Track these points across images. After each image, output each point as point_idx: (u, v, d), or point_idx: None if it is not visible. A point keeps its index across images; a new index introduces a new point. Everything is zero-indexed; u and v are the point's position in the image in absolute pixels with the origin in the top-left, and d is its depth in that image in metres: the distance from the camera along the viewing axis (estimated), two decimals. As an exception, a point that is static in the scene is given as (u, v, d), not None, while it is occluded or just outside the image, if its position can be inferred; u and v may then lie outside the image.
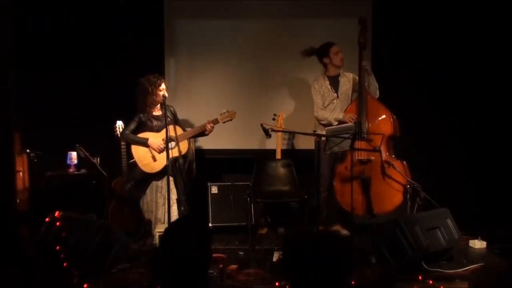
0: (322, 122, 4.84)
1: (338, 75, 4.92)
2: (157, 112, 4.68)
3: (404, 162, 4.67)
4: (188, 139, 4.70)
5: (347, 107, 4.83)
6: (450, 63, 5.44)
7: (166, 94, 4.60)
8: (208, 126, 4.67)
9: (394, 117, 4.73)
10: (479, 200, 5.27)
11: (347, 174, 4.57)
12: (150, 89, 4.56)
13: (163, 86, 4.62)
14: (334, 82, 4.90)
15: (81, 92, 5.36)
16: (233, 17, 5.66)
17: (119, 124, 4.79)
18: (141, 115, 4.65)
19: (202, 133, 4.73)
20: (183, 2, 5.64)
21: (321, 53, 4.88)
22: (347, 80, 4.93)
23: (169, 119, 4.54)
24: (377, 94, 4.82)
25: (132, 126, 4.66)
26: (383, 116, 4.74)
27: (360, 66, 4.72)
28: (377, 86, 4.81)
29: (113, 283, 3.65)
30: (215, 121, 4.70)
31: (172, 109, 4.77)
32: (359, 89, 4.76)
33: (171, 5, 5.60)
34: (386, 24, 5.47)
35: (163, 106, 4.53)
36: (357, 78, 4.84)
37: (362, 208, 4.65)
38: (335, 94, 4.88)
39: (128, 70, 5.16)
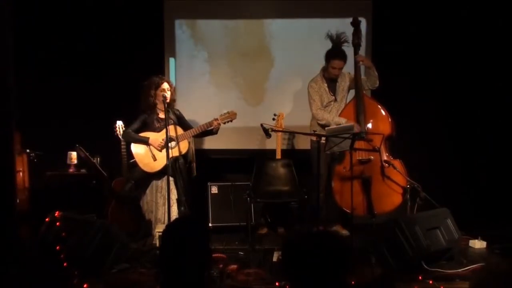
0: (320, 122, 4.82)
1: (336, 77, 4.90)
2: (163, 114, 4.64)
3: (401, 161, 4.67)
4: (188, 139, 4.71)
5: (344, 108, 4.82)
6: (450, 63, 5.44)
7: (167, 95, 4.59)
8: (215, 123, 4.66)
9: (391, 116, 4.73)
10: (479, 200, 5.27)
11: (346, 175, 4.56)
12: (151, 89, 4.60)
13: (164, 86, 4.63)
14: (332, 85, 4.88)
15: (81, 92, 5.36)
16: (233, 17, 5.66)
17: (119, 124, 4.80)
18: (146, 116, 4.67)
19: (206, 132, 4.72)
20: (183, 2, 5.65)
21: (326, 56, 4.80)
22: (343, 80, 4.91)
23: (171, 121, 4.55)
24: (377, 83, 4.79)
25: (136, 125, 4.68)
26: (381, 116, 4.73)
27: (356, 66, 4.72)
28: (377, 75, 4.76)
29: (113, 283, 3.65)
30: (216, 122, 4.71)
31: (178, 112, 4.78)
32: (356, 89, 4.75)
33: (171, 5, 5.60)
34: (386, 24, 5.47)
35: (164, 107, 4.51)
36: (352, 76, 4.83)
37: (363, 208, 4.64)
38: (333, 96, 4.86)
39: (128, 70, 5.17)
